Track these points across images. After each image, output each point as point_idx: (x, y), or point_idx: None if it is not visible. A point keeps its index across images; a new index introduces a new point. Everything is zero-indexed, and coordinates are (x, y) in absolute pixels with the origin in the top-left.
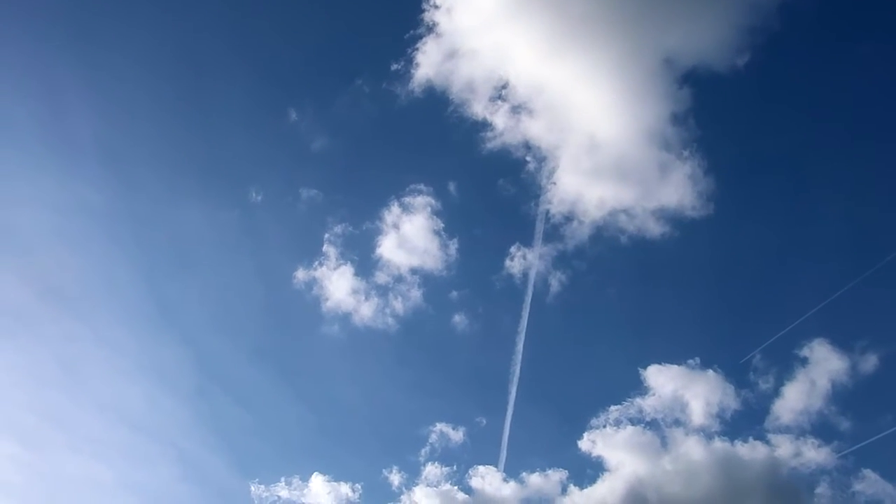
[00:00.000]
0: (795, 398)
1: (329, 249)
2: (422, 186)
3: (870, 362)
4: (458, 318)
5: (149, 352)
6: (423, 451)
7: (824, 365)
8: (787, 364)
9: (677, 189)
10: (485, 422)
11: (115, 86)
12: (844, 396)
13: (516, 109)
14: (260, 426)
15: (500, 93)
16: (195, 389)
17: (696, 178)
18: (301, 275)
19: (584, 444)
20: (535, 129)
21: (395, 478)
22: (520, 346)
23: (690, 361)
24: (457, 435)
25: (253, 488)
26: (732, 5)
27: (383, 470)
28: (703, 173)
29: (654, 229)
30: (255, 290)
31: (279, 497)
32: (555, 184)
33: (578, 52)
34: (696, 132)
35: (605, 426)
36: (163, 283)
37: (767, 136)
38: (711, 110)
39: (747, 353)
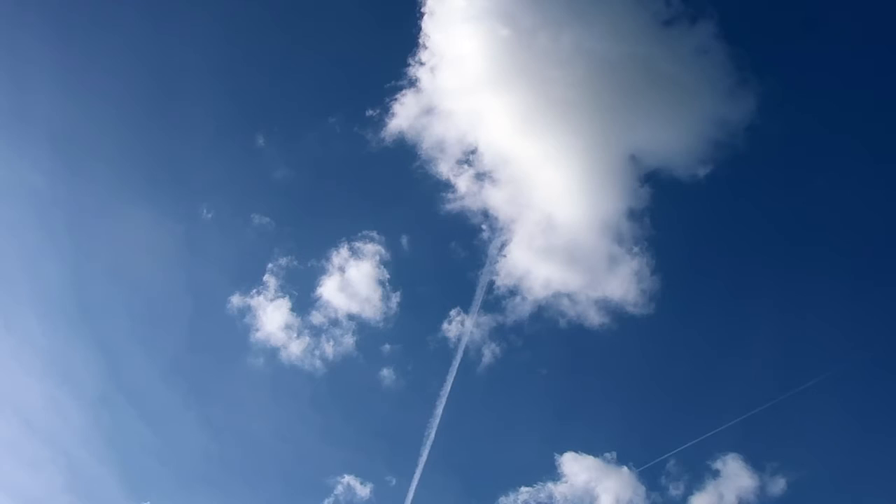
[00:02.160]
0: None
1: (270, 280)
2: (375, 234)
3: (778, 485)
4: (386, 372)
5: (58, 350)
6: (326, 501)
7: (735, 480)
8: (698, 473)
9: (622, 283)
10: (394, 482)
11: (84, 75)
12: None
13: (481, 176)
14: (161, 447)
15: (469, 157)
16: (99, 397)
17: (642, 276)
18: (236, 300)
19: None
20: (495, 199)
21: None
22: (439, 411)
23: (607, 455)
24: (364, 490)
25: None
26: (703, 117)
27: None
28: (649, 272)
29: (594, 318)
30: (184, 307)
31: None
32: (505, 256)
33: (550, 133)
34: (650, 231)
35: None
36: (88, 281)
37: (715, 247)
38: (667, 213)
39: (663, 456)
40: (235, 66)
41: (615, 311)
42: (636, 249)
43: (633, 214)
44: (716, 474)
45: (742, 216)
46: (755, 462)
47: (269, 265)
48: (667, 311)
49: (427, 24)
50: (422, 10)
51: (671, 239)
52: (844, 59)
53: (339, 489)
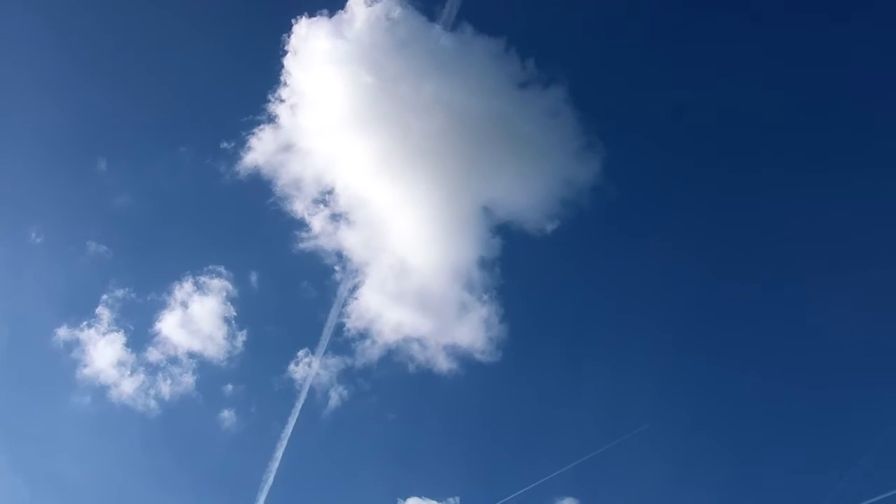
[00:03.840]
0: None
1: (103, 312)
2: (222, 269)
3: None
4: (227, 414)
5: None
6: None
7: None
8: None
9: (471, 330)
10: None
11: None
12: None
13: (336, 217)
14: None
15: (325, 197)
16: None
17: (491, 324)
18: (63, 332)
19: None
20: (349, 241)
21: None
22: (278, 454)
23: (450, 500)
24: None
25: None
26: (552, 175)
27: None
28: (497, 320)
29: (443, 364)
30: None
31: None
32: (357, 299)
33: (407, 179)
34: (500, 281)
35: None
36: None
37: (559, 299)
38: (516, 264)
39: (504, 499)
40: (81, 84)
41: (463, 358)
42: (486, 297)
43: (483, 263)
44: None
45: (585, 269)
46: None
47: (104, 296)
48: (512, 359)
49: (290, 63)
50: (285, 48)
51: (519, 288)
52: (681, 125)
53: None
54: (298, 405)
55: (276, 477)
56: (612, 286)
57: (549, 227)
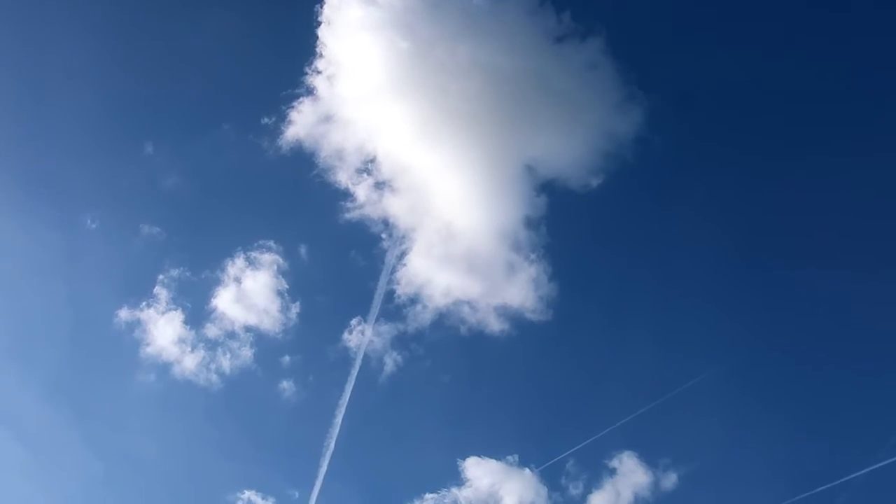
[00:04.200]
0: None
1: (160, 292)
2: (272, 244)
3: (670, 480)
4: (286, 385)
5: None
6: None
7: (630, 477)
8: (596, 472)
9: (520, 290)
10: (297, 495)
11: None
12: None
13: (380, 185)
14: (41, 472)
15: (367, 166)
16: None
17: (540, 283)
18: (124, 314)
19: None
20: (395, 208)
21: None
22: (338, 420)
23: (509, 458)
24: None
25: None
26: (593, 129)
27: None
28: (546, 279)
29: (494, 325)
30: (65, 322)
31: None
32: (405, 265)
33: (448, 142)
34: (546, 239)
35: None
36: None
37: (607, 253)
38: (562, 222)
39: (562, 455)
40: (123, 70)
41: (514, 318)
42: (533, 256)
43: (529, 222)
44: (612, 472)
45: (631, 223)
46: (649, 458)
47: (160, 277)
48: (563, 317)
49: (324, 33)
50: (318, 18)
51: (566, 246)
52: (722, 75)
53: None
54: (354, 372)
55: (336, 443)
56: (660, 238)
57: (594, 182)
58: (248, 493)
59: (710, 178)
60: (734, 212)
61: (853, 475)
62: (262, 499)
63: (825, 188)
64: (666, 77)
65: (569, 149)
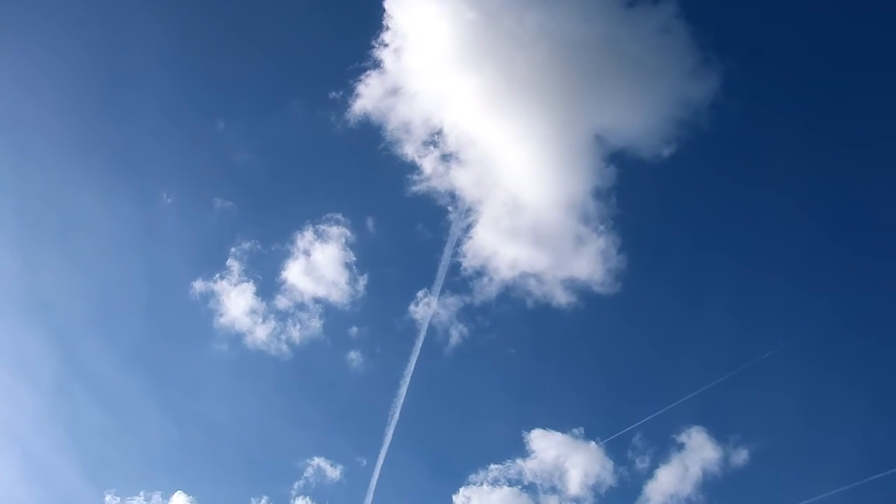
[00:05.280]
0: (667, 482)
1: (233, 264)
2: (340, 217)
3: (741, 456)
4: (354, 355)
5: (11, 339)
6: (296, 485)
7: (699, 453)
8: (664, 447)
9: (588, 262)
10: (365, 462)
11: (33, 59)
12: (713, 487)
13: (446, 157)
14: (121, 434)
15: (434, 138)
16: (55, 386)
17: (608, 256)
18: (199, 286)
19: (459, 499)
20: (461, 180)
21: None
22: (403, 391)
23: (575, 430)
24: (334, 472)
25: (108, 498)
26: (666, 97)
27: (252, 498)
28: (615, 251)
29: (561, 298)
30: (143, 293)
31: None
32: (471, 237)
33: (515, 114)
34: (616, 210)
35: (482, 483)
36: (41, 267)
37: (679, 225)
38: (632, 192)
39: (628, 427)
40: (194, 50)
41: (581, 291)
42: (602, 228)
43: (598, 194)
44: (681, 447)
45: (706, 194)
46: (718, 434)
47: (233, 249)
48: (632, 290)
49: (390, 5)
50: None
51: (636, 218)
52: (803, 38)
53: (310, 471)
54: (419, 343)
55: (401, 413)
56: (735, 210)
57: (666, 152)
58: (317, 460)
59: (791, 148)
60: (816, 183)
61: None
62: (331, 466)
63: None
64: (744, 40)
65: (640, 117)
